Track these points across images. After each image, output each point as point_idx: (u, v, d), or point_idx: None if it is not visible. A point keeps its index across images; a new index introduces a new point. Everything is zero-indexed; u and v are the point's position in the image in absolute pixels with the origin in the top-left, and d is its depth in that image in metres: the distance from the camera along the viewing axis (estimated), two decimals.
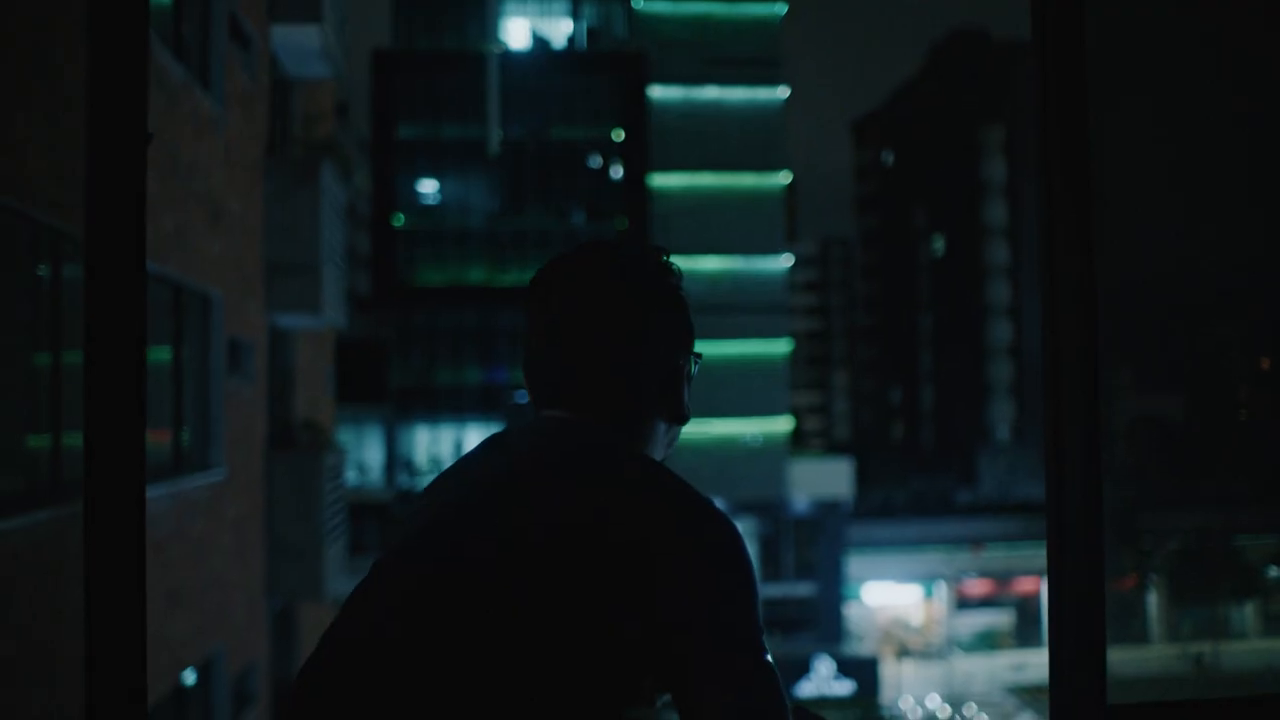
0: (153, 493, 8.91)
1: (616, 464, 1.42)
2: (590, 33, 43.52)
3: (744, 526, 42.09)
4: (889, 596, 48.74)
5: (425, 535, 1.42)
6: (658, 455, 1.57)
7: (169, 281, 9.43)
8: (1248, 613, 48.01)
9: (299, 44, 13.50)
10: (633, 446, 1.49)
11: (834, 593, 43.12)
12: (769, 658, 1.33)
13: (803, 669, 38.73)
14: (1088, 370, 1.42)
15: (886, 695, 40.46)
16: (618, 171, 41.85)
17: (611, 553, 1.30)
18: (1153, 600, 46.27)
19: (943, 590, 48.91)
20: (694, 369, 1.60)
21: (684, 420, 1.57)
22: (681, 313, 1.57)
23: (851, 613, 45.99)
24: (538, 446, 1.47)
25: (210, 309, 10.73)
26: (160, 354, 9.57)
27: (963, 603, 49.58)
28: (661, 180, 41.88)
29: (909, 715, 39.87)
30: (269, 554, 12.60)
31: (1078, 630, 1.49)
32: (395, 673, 1.30)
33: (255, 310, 12.24)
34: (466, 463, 1.51)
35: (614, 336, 1.50)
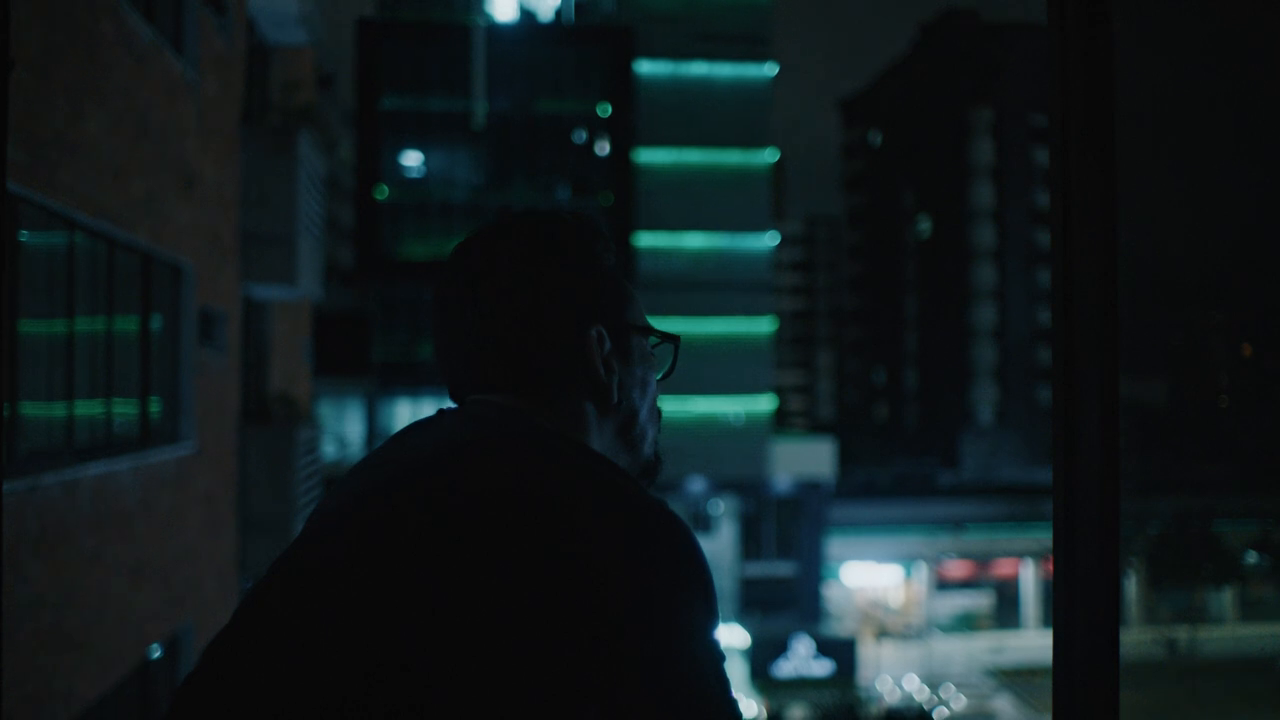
0: (119, 465, 8.69)
1: (539, 450, 1.22)
2: (577, 6, 43.16)
3: (725, 505, 42.03)
4: (868, 577, 48.81)
5: (315, 540, 1.23)
6: (611, 453, 1.37)
7: (137, 249, 9.18)
8: (1225, 598, 48.22)
9: (276, 9, 13.22)
10: (568, 434, 1.29)
11: (814, 573, 43.14)
12: (729, 689, 1.13)
13: (781, 648, 38.74)
14: (1107, 354, 1.23)
15: (865, 676, 40.50)
16: (604, 147, 41.57)
17: (526, 553, 1.10)
18: (1131, 584, 46.42)
19: (923, 571, 49.00)
20: (635, 344, 1.39)
21: (609, 402, 1.35)
22: (590, 278, 1.36)
23: (831, 593, 46.04)
24: (456, 430, 1.29)
25: (181, 278, 10.48)
26: (127, 324, 9.34)
27: (942, 584, 49.70)
28: (647, 155, 41.65)
29: (886, 696, 39.92)
30: (241, 529, 12.39)
31: (1088, 664, 1.30)
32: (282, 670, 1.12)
33: (229, 280, 12.00)
34: (383, 450, 1.33)
35: (506, 309, 1.31)
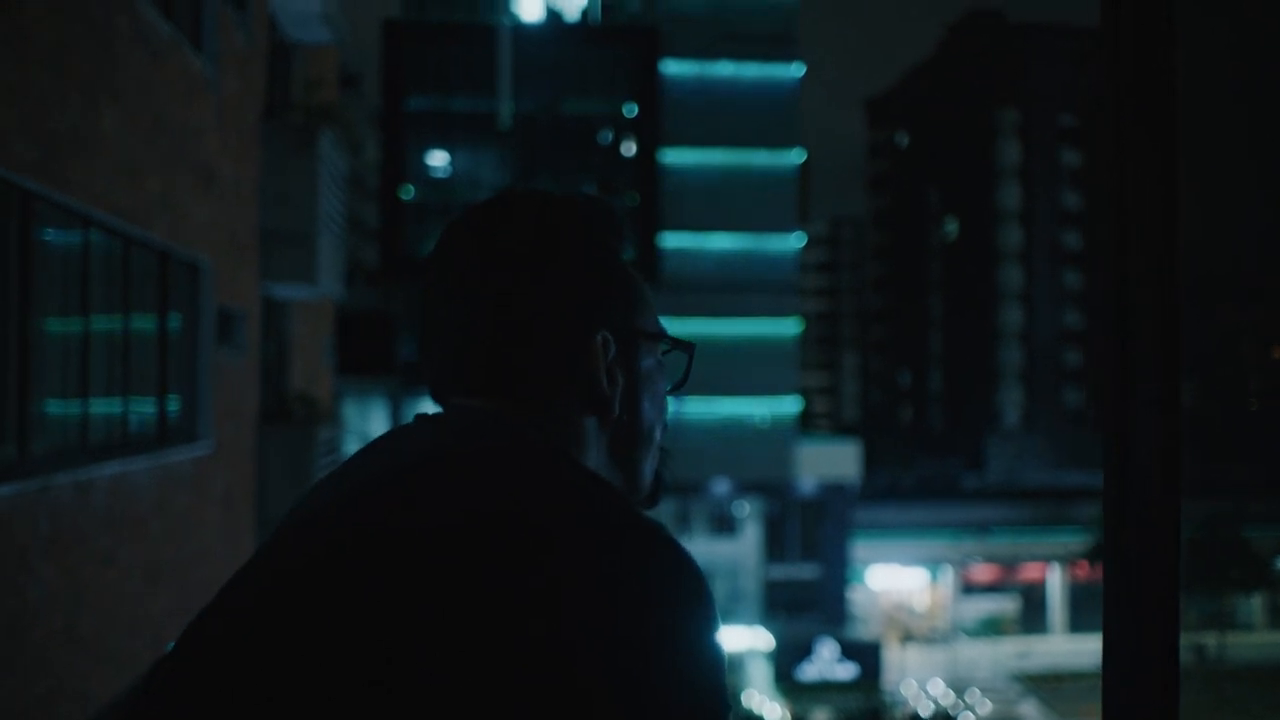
0: (134, 465, 8.61)
1: (520, 465, 1.07)
2: (604, 6, 43.06)
3: (750, 507, 41.86)
4: (893, 580, 48.53)
5: (267, 563, 1.09)
6: (608, 473, 1.20)
7: (153, 247, 9.10)
8: (1255, 604, 47.73)
9: (298, 7, 13.13)
10: (560, 448, 1.14)
11: (838, 575, 42.91)
12: None
13: (805, 652, 38.53)
14: (1167, 359, 1.09)
15: (889, 680, 40.25)
16: (630, 147, 41.45)
17: (499, 578, 0.95)
18: None
19: (948, 575, 48.68)
20: (643, 351, 1.23)
21: (610, 417, 1.18)
22: (596, 274, 1.17)
23: (856, 596, 45.79)
24: (431, 440, 1.13)
25: (199, 277, 10.40)
26: (144, 322, 9.25)
27: (968, 588, 49.36)
28: (673, 156, 41.49)
29: (911, 700, 39.66)
30: (259, 530, 12.31)
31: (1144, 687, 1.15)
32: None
33: (248, 279, 11.91)
34: (353, 461, 1.18)
35: (497, 305, 1.14)
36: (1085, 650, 46.44)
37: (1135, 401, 1.12)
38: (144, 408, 9.28)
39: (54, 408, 7.49)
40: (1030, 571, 49.66)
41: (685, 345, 1.27)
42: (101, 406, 8.29)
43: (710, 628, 0.98)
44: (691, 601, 0.98)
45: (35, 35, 6.68)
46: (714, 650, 0.97)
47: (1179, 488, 1.13)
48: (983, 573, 49.31)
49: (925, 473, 59.13)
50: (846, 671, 38.57)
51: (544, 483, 1.05)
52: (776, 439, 41.65)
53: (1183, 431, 1.12)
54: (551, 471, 1.07)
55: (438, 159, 41.55)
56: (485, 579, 0.95)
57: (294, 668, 0.96)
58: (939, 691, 40.95)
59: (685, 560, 1.00)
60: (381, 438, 1.19)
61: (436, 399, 1.23)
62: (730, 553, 41.19)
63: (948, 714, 37.23)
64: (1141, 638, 1.25)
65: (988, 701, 41.16)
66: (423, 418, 1.18)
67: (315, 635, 0.97)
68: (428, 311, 1.22)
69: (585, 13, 43.08)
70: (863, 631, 44.21)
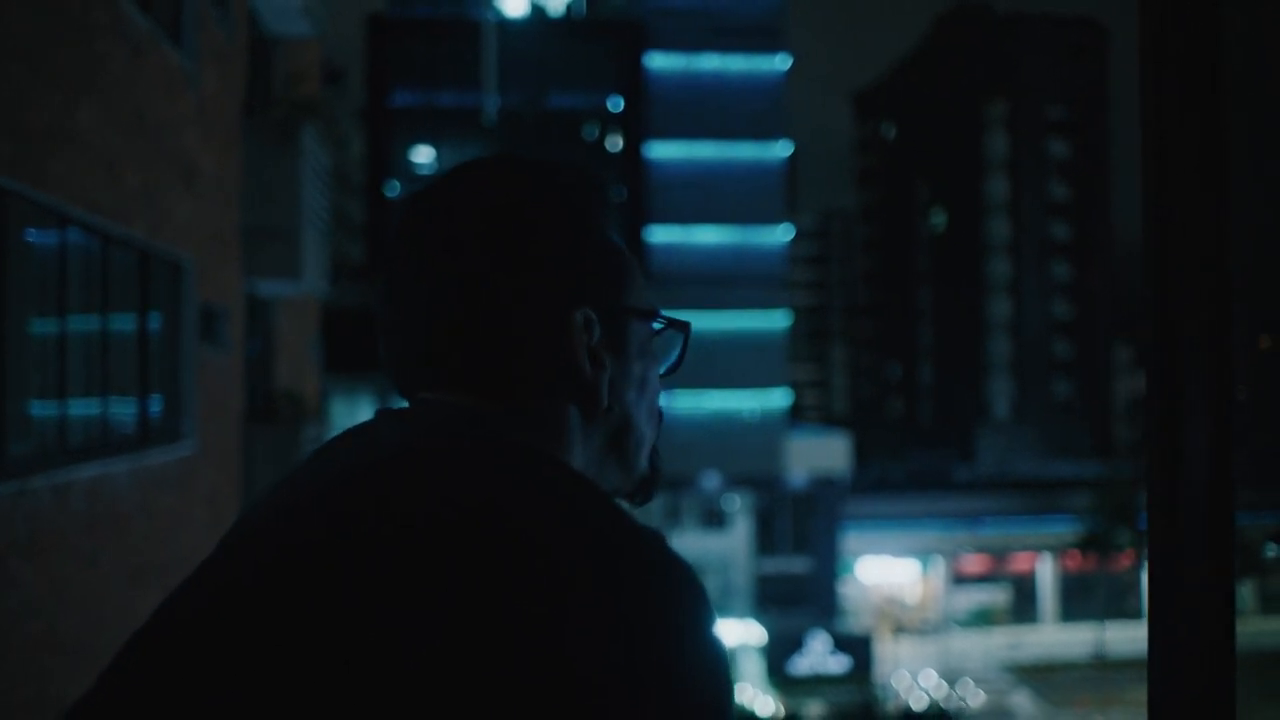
0: (115, 466, 8.48)
1: (491, 460, 0.97)
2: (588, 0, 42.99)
3: (740, 501, 41.81)
4: (884, 573, 48.56)
5: (223, 561, 0.98)
6: (592, 468, 1.09)
7: (133, 245, 8.96)
8: (1245, 592, 47.90)
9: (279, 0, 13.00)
10: (539, 445, 1.03)
11: (829, 568, 42.92)
12: None
13: (797, 645, 38.52)
14: (1218, 327, 0.99)
15: (881, 672, 40.26)
16: (616, 141, 41.35)
17: (464, 582, 0.86)
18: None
19: (939, 566, 48.72)
20: (632, 332, 1.12)
21: (597, 405, 1.07)
22: (577, 246, 1.05)
23: (847, 589, 45.81)
24: (389, 437, 1.03)
25: (181, 274, 10.26)
26: (125, 321, 9.12)
27: (959, 579, 49.42)
28: (660, 149, 41.40)
29: (903, 693, 39.67)
30: None
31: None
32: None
33: (231, 276, 11.77)
34: (309, 462, 1.07)
35: (465, 283, 1.02)
36: (1076, 640, 46.51)
37: (1183, 400, 1.02)
38: (126, 408, 9.14)
39: (32, 409, 7.36)
40: (1021, 562, 49.75)
41: (680, 324, 1.16)
42: (81, 407, 8.16)
43: (711, 624, 0.91)
44: (689, 599, 0.90)
45: (11, 30, 6.55)
46: (718, 646, 0.90)
47: (1231, 482, 1.04)
48: (974, 564, 49.37)
49: (916, 465, 59.15)
50: (839, 664, 38.58)
51: (516, 480, 0.95)
52: (766, 432, 41.62)
53: (1233, 427, 1.03)
54: (532, 471, 0.97)
55: (423, 155, 41.43)
56: (480, 573, 0.86)
57: (273, 660, 0.88)
58: (931, 683, 40.97)
59: (677, 560, 0.92)
60: (340, 436, 1.08)
61: (403, 393, 1.11)
62: (721, 547, 41.15)
63: (940, 705, 37.22)
64: (1189, 641, 1.16)
65: (980, 692, 41.20)
66: (386, 413, 1.07)
67: (295, 628, 0.88)
68: (391, 293, 1.09)
69: (570, 7, 42.96)
70: (854, 624, 44.23)
